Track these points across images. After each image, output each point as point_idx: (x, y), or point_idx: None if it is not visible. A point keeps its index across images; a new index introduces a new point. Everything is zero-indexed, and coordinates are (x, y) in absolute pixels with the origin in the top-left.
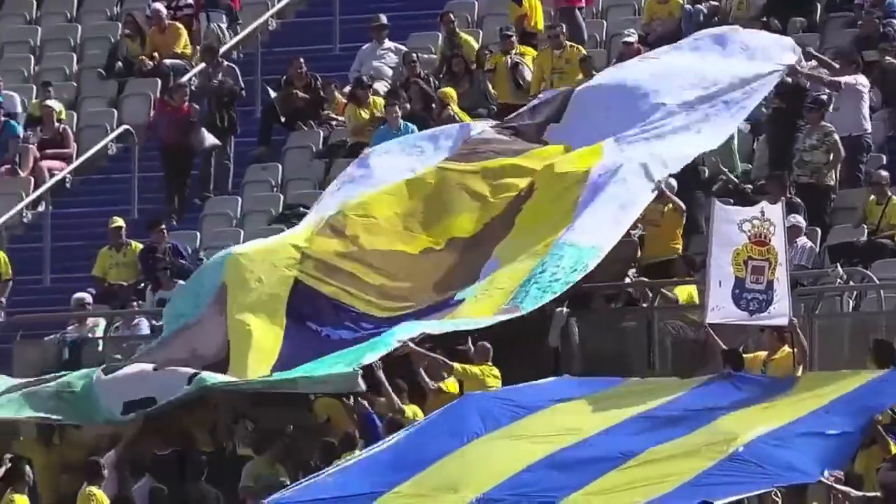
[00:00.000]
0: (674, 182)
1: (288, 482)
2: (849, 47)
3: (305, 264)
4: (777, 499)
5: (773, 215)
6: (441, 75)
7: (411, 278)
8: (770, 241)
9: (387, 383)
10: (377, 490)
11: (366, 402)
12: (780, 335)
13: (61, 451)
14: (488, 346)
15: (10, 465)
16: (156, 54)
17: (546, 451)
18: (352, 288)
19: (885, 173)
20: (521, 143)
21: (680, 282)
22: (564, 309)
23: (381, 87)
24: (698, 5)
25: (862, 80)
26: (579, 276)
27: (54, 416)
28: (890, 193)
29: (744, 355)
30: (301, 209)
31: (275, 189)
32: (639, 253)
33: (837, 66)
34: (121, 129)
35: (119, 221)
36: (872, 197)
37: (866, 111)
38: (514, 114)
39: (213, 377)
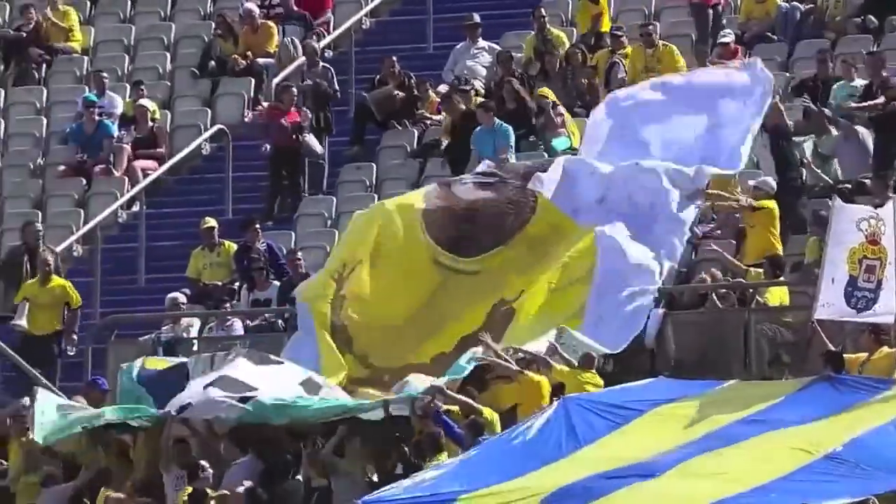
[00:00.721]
0: (773, 183)
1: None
2: None
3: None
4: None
5: (886, 215)
6: (535, 74)
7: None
8: (881, 240)
9: (456, 394)
10: (466, 489)
11: (438, 402)
12: (877, 336)
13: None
14: (594, 354)
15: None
16: (248, 53)
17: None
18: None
19: None
20: (501, 192)
21: (775, 283)
22: (660, 310)
23: (478, 86)
24: (795, 3)
25: None
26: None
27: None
28: None
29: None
30: None
31: (369, 189)
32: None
33: None
34: (214, 129)
35: (211, 222)
36: None
37: None
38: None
39: (269, 400)
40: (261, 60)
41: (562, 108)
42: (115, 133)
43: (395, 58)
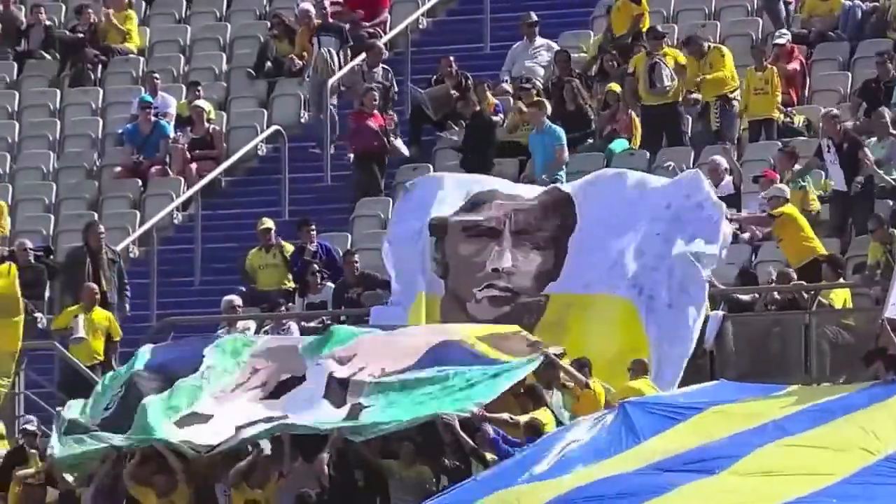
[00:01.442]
0: (787, 190)
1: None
2: None
3: None
4: None
5: None
6: (593, 74)
7: None
8: None
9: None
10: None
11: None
12: None
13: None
14: (645, 360)
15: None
16: (305, 54)
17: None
18: None
19: None
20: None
21: (836, 285)
22: (720, 312)
23: (539, 85)
24: (857, 1)
25: None
26: None
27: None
28: None
29: None
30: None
31: None
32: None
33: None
34: (271, 130)
35: (268, 223)
36: None
37: None
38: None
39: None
40: None
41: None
42: (171, 134)
43: (452, 58)
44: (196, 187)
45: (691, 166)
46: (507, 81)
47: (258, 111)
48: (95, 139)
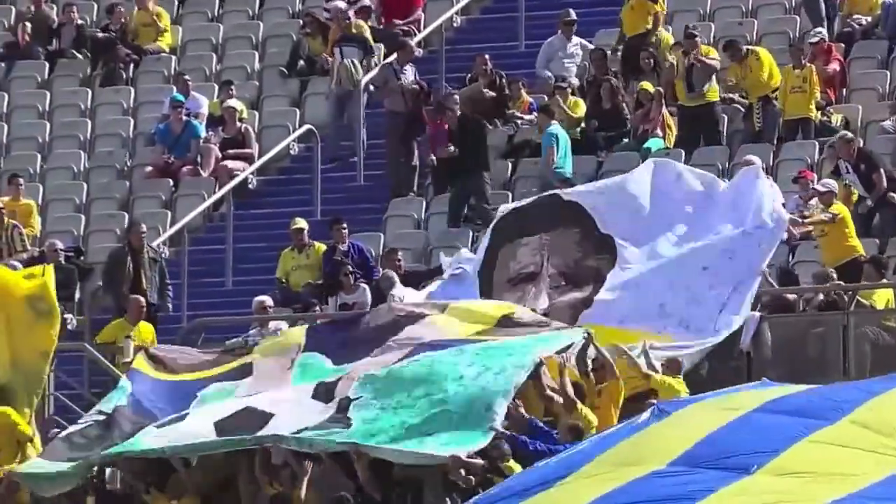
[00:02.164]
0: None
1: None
2: None
3: None
4: None
5: None
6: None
7: None
8: None
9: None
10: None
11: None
12: None
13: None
14: (679, 359)
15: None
16: (337, 51)
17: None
18: None
19: None
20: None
21: (877, 285)
22: (757, 313)
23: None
24: None
25: None
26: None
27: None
28: None
29: None
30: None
31: None
32: None
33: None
34: (303, 129)
35: (301, 223)
36: None
37: None
38: None
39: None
40: None
41: (661, 105)
42: (203, 133)
43: (487, 56)
44: (227, 187)
45: (727, 166)
46: (550, 79)
47: (290, 110)
48: (126, 139)
